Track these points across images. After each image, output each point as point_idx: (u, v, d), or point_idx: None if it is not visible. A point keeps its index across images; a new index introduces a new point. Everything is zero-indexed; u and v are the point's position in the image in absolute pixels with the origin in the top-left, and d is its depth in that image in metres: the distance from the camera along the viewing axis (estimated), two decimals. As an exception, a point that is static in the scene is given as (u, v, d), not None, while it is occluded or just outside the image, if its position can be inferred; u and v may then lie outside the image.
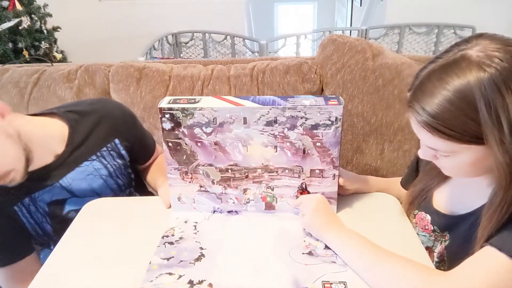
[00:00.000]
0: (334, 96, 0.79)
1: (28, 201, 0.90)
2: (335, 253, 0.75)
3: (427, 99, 0.62)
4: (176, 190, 0.87)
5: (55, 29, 2.95)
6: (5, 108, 0.84)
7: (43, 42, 2.77)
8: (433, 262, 0.81)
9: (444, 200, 0.82)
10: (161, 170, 1.01)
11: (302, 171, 0.82)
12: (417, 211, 0.86)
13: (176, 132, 0.80)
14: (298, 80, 1.33)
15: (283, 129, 0.78)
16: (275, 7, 6.17)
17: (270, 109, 0.76)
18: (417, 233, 0.85)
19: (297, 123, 0.77)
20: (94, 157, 0.97)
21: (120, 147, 1.01)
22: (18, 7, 2.61)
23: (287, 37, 3.43)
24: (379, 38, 3.45)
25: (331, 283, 0.68)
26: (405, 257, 0.68)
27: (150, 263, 0.74)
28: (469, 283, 0.60)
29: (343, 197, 0.90)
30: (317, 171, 0.82)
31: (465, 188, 0.78)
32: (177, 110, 0.78)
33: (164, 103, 0.79)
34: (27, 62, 2.54)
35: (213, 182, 0.85)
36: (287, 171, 0.83)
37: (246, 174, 0.84)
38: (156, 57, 3.17)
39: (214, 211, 0.89)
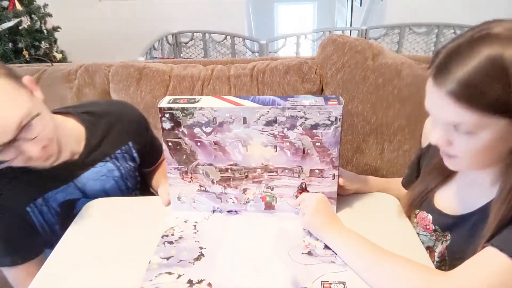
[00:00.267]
0: (334, 96, 0.79)
1: (41, 202, 0.89)
2: (335, 253, 0.75)
3: (457, 67, 0.60)
4: (176, 189, 0.87)
5: (55, 29, 2.95)
6: (33, 84, 0.82)
7: (43, 42, 2.77)
8: (434, 262, 0.81)
9: (446, 199, 0.82)
10: (166, 173, 1.02)
11: (302, 171, 0.82)
12: (418, 210, 0.86)
13: (176, 131, 0.80)
14: (298, 80, 1.33)
15: (283, 129, 0.78)
16: (275, 7, 6.17)
17: (270, 109, 0.76)
18: (418, 233, 0.85)
19: (296, 123, 0.77)
20: (108, 158, 0.97)
21: (133, 150, 1.02)
22: (18, 7, 2.62)
23: (287, 37, 3.43)
24: (379, 38, 3.45)
25: (330, 283, 0.68)
26: (405, 257, 0.68)
27: (149, 262, 0.74)
28: (469, 283, 0.60)
29: (343, 197, 0.90)
30: (317, 171, 0.82)
31: (467, 188, 0.78)
32: (177, 109, 0.78)
33: (164, 102, 0.79)
34: (27, 62, 2.54)
35: (212, 182, 0.85)
36: (286, 171, 0.83)
37: (245, 174, 0.84)
38: (156, 57, 3.17)
39: (213, 211, 0.89)
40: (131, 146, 1.02)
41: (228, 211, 0.88)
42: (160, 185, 0.97)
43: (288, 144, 0.79)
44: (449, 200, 0.81)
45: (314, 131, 0.77)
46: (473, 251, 0.64)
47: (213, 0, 3.58)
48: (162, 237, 0.81)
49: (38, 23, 2.78)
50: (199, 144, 0.81)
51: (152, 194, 1.17)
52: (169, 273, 0.72)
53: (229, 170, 0.84)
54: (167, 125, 0.80)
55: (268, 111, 0.76)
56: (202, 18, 3.60)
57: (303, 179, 0.83)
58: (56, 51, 2.96)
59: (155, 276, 0.71)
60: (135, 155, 1.03)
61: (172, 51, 3.59)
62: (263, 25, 5.48)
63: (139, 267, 0.73)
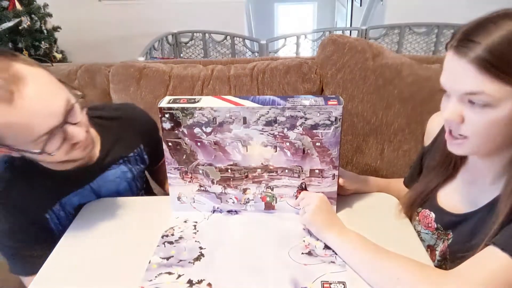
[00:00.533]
0: (334, 96, 0.79)
1: (59, 207, 0.89)
2: (335, 253, 0.75)
3: (483, 36, 0.60)
4: (176, 189, 0.87)
5: (55, 29, 2.95)
6: None
7: (43, 42, 2.77)
8: (435, 260, 0.81)
9: (448, 198, 0.82)
10: None
11: (302, 171, 0.82)
12: (420, 208, 0.86)
13: (176, 131, 0.80)
14: (298, 80, 1.33)
15: (283, 129, 0.78)
16: (275, 7, 6.17)
17: (270, 109, 0.76)
18: (420, 231, 0.85)
19: (296, 123, 0.77)
20: (121, 161, 0.97)
21: (143, 152, 1.03)
22: (18, 7, 2.62)
23: (287, 37, 3.43)
24: (379, 38, 3.44)
25: (330, 283, 0.68)
26: (406, 257, 0.68)
27: (149, 262, 0.74)
28: (470, 282, 0.60)
29: (343, 197, 0.90)
30: (317, 171, 0.82)
31: (469, 186, 0.78)
32: (177, 109, 0.78)
33: (164, 103, 0.79)
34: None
35: (212, 182, 0.85)
36: (286, 171, 0.83)
37: (245, 174, 0.84)
38: (156, 57, 3.17)
39: (213, 211, 0.89)
40: (142, 148, 1.02)
41: (228, 211, 0.88)
42: None
43: (288, 144, 0.79)
44: (452, 198, 0.81)
45: (314, 131, 0.77)
46: (475, 250, 0.64)
47: (213, 0, 3.58)
48: (162, 237, 0.81)
49: (38, 23, 2.78)
50: (199, 144, 0.81)
51: (154, 194, 1.18)
52: (169, 273, 0.72)
53: (229, 170, 0.84)
54: (167, 125, 0.80)
55: (268, 111, 0.76)
56: (202, 18, 3.60)
57: (303, 179, 0.83)
58: (56, 51, 2.96)
59: (155, 276, 0.71)
60: (145, 156, 1.04)
61: (172, 51, 3.59)
62: (263, 25, 5.48)
63: (139, 267, 0.73)
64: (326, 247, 0.76)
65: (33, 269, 0.78)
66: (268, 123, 0.78)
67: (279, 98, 0.79)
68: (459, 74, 0.63)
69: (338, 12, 6.01)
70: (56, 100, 0.73)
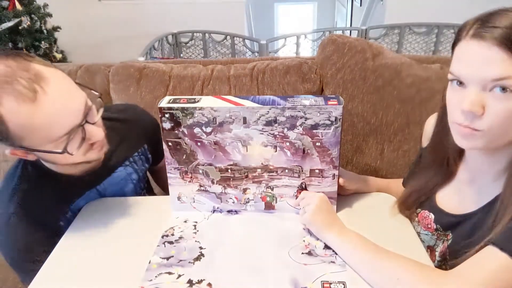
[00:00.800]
0: (334, 96, 0.79)
1: (70, 214, 0.89)
2: (335, 253, 0.75)
3: (502, 20, 0.60)
4: (176, 189, 0.87)
5: (55, 29, 2.96)
6: None
7: (43, 42, 2.78)
8: (435, 261, 0.81)
9: (447, 199, 0.82)
10: None
11: (302, 171, 0.82)
12: (420, 209, 0.86)
13: (176, 131, 0.80)
14: (298, 80, 1.33)
15: (283, 129, 0.78)
16: (275, 7, 6.18)
17: (270, 109, 0.76)
18: (419, 232, 0.85)
19: (296, 123, 0.77)
20: (127, 162, 0.98)
21: (147, 151, 1.03)
22: (18, 7, 2.62)
23: (287, 37, 3.43)
24: (379, 38, 3.45)
25: (330, 283, 0.68)
26: (406, 257, 0.68)
27: (149, 262, 0.74)
28: (470, 283, 0.60)
29: (343, 197, 0.90)
30: (317, 171, 0.82)
31: (468, 187, 0.78)
32: (177, 109, 0.78)
33: (164, 102, 0.79)
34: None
35: (212, 182, 0.85)
36: (286, 171, 0.83)
37: (245, 174, 0.84)
38: (156, 57, 3.17)
39: (213, 211, 0.89)
40: (146, 148, 1.03)
41: (228, 211, 0.88)
42: None
43: (288, 144, 0.79)
44: (451, 199, 0.81)
45: (314, 131, 0.77)
46: (474, 250, 0.64)
47: (213, 0, 3.58)
48: (162, 237, 0.81)
49: (38, 23, 2.78)
50: (199, 144, 0.81)
51: (154, 194, 1.18)
52: (169, 273, 0.72)
53: (229, 170, 0.84)
54: (167, 125, 0.80)
55: (268, 111, 0.76)
56: (202, 18, 3.61)
57: (303, 179, 0.83)
58: (56, 51, 2.96)
59: (155, 276, 0.71)
60: (149, 156, 1.04)
61: (172, 51, 3.59)
62: (263, 25, 5.48)
63: (139, 267, 0.73)
64: (326, 247, 0.76)
65: None
66: (268, 123, 0.78)
67: (279, 98, 0.79)
68: (484, 59, 0.60)
69: (338, 12, 6.01)
70: (76, 98, 0.73)
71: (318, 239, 0.78)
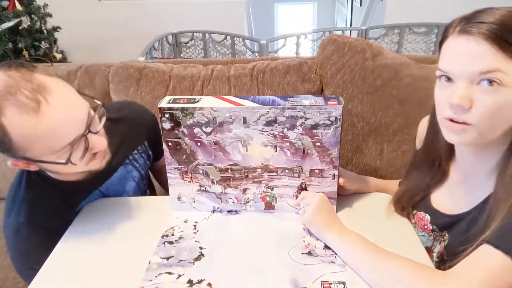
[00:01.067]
0: (334, 96, 0.79)
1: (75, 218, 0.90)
2: (335, 253, 0.75)
3: (488, 16, 0.61)
4: (176, 189, 0.87)
5: (55, 29, 2.95)
6: None
7: (43, 42, 2.77)
8: (432, 262, 0.81)
9: (442, 199, 0.82)
10: None
11: (302, 171, 0.82)
12: (416, 211, 0.87)
13: (176, 131, 0.81)
14: (298, 80, 1.33)
15: (283, 129, 0.78)
16: (275, 7, 6.18)
17: (270, 109, 0.76)
18: (416, 233, 0.85)
19: (296, 123, 0.77)
20: (127, 161, 0.98)
21: (148, 148, 1.03)
22: (18, 7, 2.62)
23: (287, 37, 3.43)
24: (379, 38, 3.45)
25: (330, 283, 0.68)
26: (405, 257, 0.68)
27: (149, 262, 0.74)
28: (468, 282, 0.60)
29: (343, 197, 0.90)
30: (317, 171, 0.82)
31: (460, 187, 0.79)
32: (176, 109, 0.78)
33: (164, 102, 0.79)
34: (27, 62, 2.54)
35: (212, 182, 0.85)
36: (286, 171, 0.83)
37: (245, 174, 0.84)
38: (156, 57, 3.17)
39: (213, 211, 0.89)
40: (146, 145, 1.03)
41: (228, 211, 0.88)
42: None
43: (288, 144, 0.80)
44: (445, 199, 0.82)
45: (314, 131, 0.77)
46: (471, 249, 0.65)
47: (213, 0, 3.58)
48: (162, 237, 0.81)
49: (38, 23, 2.78)
50: (199, 144, 0.81)
51: (155, 191, 1.18)
52: (169, 273, 0.72)
53: (229, 170, 0.84)
54: (167, 125, 0.80)
55: (268, 111, 0.76)
56: (202, 18, 3.60)
57: (303, 179, 0.83)
58: (56, 51, 2.96)
59: (155, 276, 0.71)
60: (150, 153, 1.04)
61: (172, 51, 3.59)
62: (263, 25, 5.48)
63: (139, 267, 0.73)
64: (326, 247, 0.76)
65: None
66: (268, 123, 0.78)
67: (279, 98, 0.79)
68: (471, 53, 0.62)
69: (338, 12, 6.01)
70: (79, 108, 0.73)
71: (318, 239, 0.78)
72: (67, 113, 0.70)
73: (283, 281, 0.69)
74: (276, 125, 0.78)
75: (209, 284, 0.69)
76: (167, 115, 0.79)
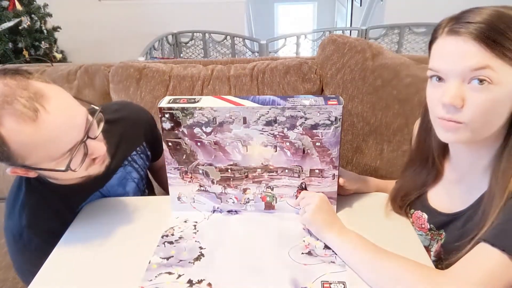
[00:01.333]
0: (334, 96, 0.79)
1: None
2: (335, 253, 0.75)
3: (475, 16, 0.62)
4: (176, 189, 0.87)
5: (55, 29, 2.96)
6: None
7: (43, 42, 2.78)
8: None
9: (439, 198, 0.83)
10: None
11: (302, 171, 0.82)
12: (413, 210, 0.87)
13: (176, 131, 0.80)
14: (298, 80, 1.33)
15: (283, 129, 0.78)
16: (275, 7, 6.18)
17: (270, 109, 0.76)
18: None
19: (296, 123, 0.77)
20: (126, 162, 0.97)
21: (147, 148, 1.03)
22: (18, 7, 2.62)
23: (287, 37, 3.43)
24: (379, 38, 3.45)
25: (330, 283, 0.68)
26: (405, 257, 0.68)
27: (149, 262, 0.74)
28: (467, 281, 0.61)
29: (343, 197, 0.90)
30: (317, 171, 0.82)
31: (456, 185, 0.79)
32: (176, 109, 0.78)
33: (164, 102, 0.79)
34: (27, 62, 2.55)
35: (212, 182, 0.85)
36: (286, 171, 0.83)
37: (245, 174, 0.84)
38: (156, 57, 3.17)
39: (213, 211, 0.89)
40: (145, 146, 1.02)
41: (228, 211, 0.88)
42: None
43: (288, 144, 0.80)
44: (442, 198, 0.82)
45: (314, 131, 0.77)
46: (467, 248, 0.65)
47: (213, 0, 3.58)
48: (162, 237, 0.81)
49: (38, 23, 2.78)
50: (199, 144, 0.81)
51: (154, 192, 1.18)
52: (169, 273, 0.72)
53: (229, 170, 0.84)
54: (167, 125, 0.80)
55: (268, 111, 0.76)
56: (202, 18, 3.61)
57: (303, 179, 0.83)
58: (56, 51, 2.96)
59: (155, 276, 0.71)
60: (149, 153, 1.04)
61: (172, 51, 3.59)
62: (263, 25, 5.48)
63: (139, 267, 0.73)
64: (326, 247, 0.76)
65: None
66: (268, 123, 0.78)
67: (279, 98, 0.79)
68: (461, 52, 0.63)
69: (338, 12, 6.01)
70: (77, 115, 0.72)
71: (318, 239, 0.78)
72: (65, 120, 0.69)
73: (283, 281, 0.69)
74: (276, 125, 0.78)
75: (209, 284, 0.69)
76: (167, 115, 0.79)
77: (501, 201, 0.64)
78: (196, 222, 0.86)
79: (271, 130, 0.78)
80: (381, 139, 1.31)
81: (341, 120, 0.76)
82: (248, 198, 0.87)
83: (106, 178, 0.93)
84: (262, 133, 0.79)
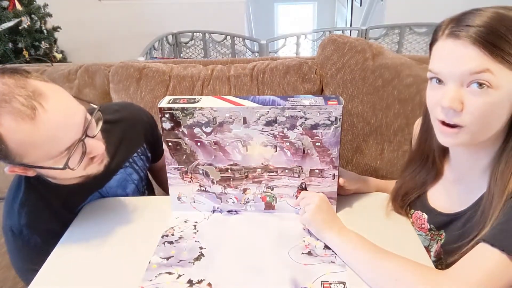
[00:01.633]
0: (334, 96, 0.79)
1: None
2: (335, 253, 0.75)
3: (475, 19, 0.62)
4: (176, 189, 0.87)
5: (55, 29, 2.96)
6: None
7: (43, 42, 2.78)
8: None
9: (438, 198, 0.83)
10: None
11: (302, 171, 0.82)
12: (413, 210, 0.87)
13: (176, 131, 0.80)
14: (298, 80, 1.33)
15: (283, 129, 0.78)
16: (275, 7, 6.17)
17: (270, 109, 0.76)
18: None
19: (296, 123, 0.77)
20: (127, 163, 0.97)
21: (147, 150, 1.03)
22: (18, 7, 2.62)
23: (287, 37, 3.43)
24: (379, 38, 3.45)
25: (330, 283, 0.68)
26: (405, 257, 0.68)
27: (149, 262, 0.74)
28: (467, 281, 0.61)
29: (343, 197, 0.90)
30: (317, 171, 0.82)
31: (456, 185, 0.79)
32: (176, 109, 0.78)
33: (164, 102, 0.79)
34: (27, 62, 2.55)
35: (212, 182, 0.85)
36: (286, 171, 0.83)
37: (245, 174, 0.84)
38: (156, 57, 3.17)
39: (214, 211, 0.89)
40: (145, 147, 1.02)
41: (228, 211, 0.88)
42: None
43: (288, 144, 0.79)
44: (442, 198, 0.82)
45: (314, 131, 0.77)
46: (467, 248, 0.65)
47: (213, 0, 3.58)
48: (162, 237, 0.81)
49: (38, 23, 2.78)
50: (199, 144, 0.81)
51: (154, 193, 1.18)
52: (169, 273, 0.72)
53: (229, 170, 0.84)
54: (167, 125, 0.80)
55: (268, 111, 0.76)
56: (202, 18, 3.61)
57: (303, 179, 0.83)
58: (56, 51, 2.96)
59: (155, 276, 0.71)
60: (149, 154, 1.04)
61: (172, 51, 3.59)
62: (263, 25, 5.48)
63: (139, 267, 0.73)
64: (326, 247, 0.76)
65: None
66: (268, 123, 0.78)
67: (279, 98, 0.79)
68: (460, 55, 0.62)
69: (338, 12, 6.01)
70: (76, 113, 0.72)
71: (318, 239, 0.78)
72: (63, 118, 0.69)
73: (283, 281, 0.69)
74: (276, 125, 0.78)
75: (209, 284, 0.69)
76: (167, 115, 0.79)
77: (500, 202, 0.64)
78: (196, 222, 0.86)
79: (271, 130, 0.78)
80: (381, 139, 1.31)
81: (341, 120, 0.76)
82: (248, 198, 0.87)
83: (106, 179, 0.93)
84: (262, 133, 0.79)
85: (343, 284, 0.68)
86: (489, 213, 0.65)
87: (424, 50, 3.47)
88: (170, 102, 0.80)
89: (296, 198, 0.85)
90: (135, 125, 1.00)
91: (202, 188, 0.86)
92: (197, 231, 0.83)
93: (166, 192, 1.17)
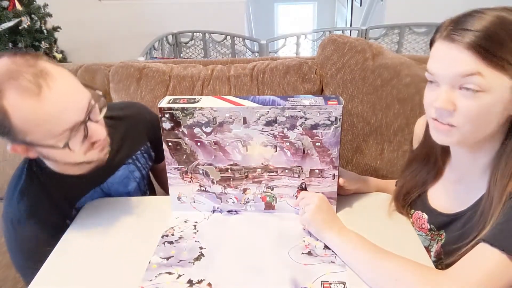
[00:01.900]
0: (334, 96, 0.79)
1: (75, 213, 0.90)
2: (334, 253, 0.75)
3: (474, 22, 0.62)
4: (176, 189, 0.87)
5: (55, 29, 2.96)
6: None
7: (43, 42, 2.77)
8: None
9: (438, 198, 0.83)
10: None
11: (302, 171, 0.82)
12: (413, 210, 0.87)
13: (176, 131, 0.81)
14: (298, 80, 1.33)
15: (283, 129, 0.78)
16: (275, 7, 6.18)
17: (270, 109, 0.76)
18: None
19: (296, 123, 0.77)
20: (130, 160, 0.98)
21: (151, 149, 1.03)
22: (18, 7, 2.62)
23: (287, 37, 3.43)
24: (379, 38, 3.45)
25: (330, 283, 0.68)
26: (405, 257, 0.68)
27: (149, 262, 0.74)
28: (467, 281, 0.61)
29: (343, 197, 0.90)
30: (317, 171, 0.82)
31: (456, 185, 0.79)
32: (177, 109, 0.78)
33: (164, 102, 0.79)
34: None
35: (212, 182, 0.85)
36: (286, 171, 0.83)
37: (245, 174, 0.84)
38: (156, 57, 3.17)
39: (214, 211, 0.89)
40: (149, 146, 1.03)
41: (228, 211, 0.88)
42: None
43: (288, 144, 0.80)
44: (442, 198, 0.82)
45: (314, 131, 0.77)
46: (467, 248, 0.65)
47: (213, 0, 3.58)
48: (162, 237, 0.81)
49: (38, 23, 2.78)
50: (199, 144, 0.81)
51: (155, 193, 1.18)
52: (169, 273, 0.72)
53: (229, 170, 0.84)
54: (167, 125, 0.80)
55: (268, 111, 0.76)
56: (202, 18, 3.61)
57: (303, 179, 0.83)
58: (56, 51, 2.96)
59: (155, 276, 0.71)
60: (152, 153, 1.04)
61: (172, 51, 3.59)
62: (263, 25, 5.48)
63: (139, 267, 0.73)
64: (326, 247, 0.76)
65: None
66: (268, 123, 0.78)
67: (279, 98, 0.79)
68: (453, 58, 0.63)
69: (338, 12, 6.02)
70: (80, 96, 0.74)
71: (318, 239, 0.78)
72: (68, 99, 0.71)
73: (283, 281, 0.69)
74: (276, 125, 0.78)
75: (209, 284, 0.69)
76: (167, 115, 0.79)
77: (499, 203, 0.64)
78: (196, 222, 0.86)
79: (271, 130, 0.78)
80: (381, 139, 1.31)
81: (341, 120, 0.76)
82: (248, 198, 0.87)
83: (108, 173, 0.93)
84: (262, 133, 0.79)
85: (343, 284, 0.68)
86: (489, 213, 0.66)
87: (424, 50, 3.47)
88: (170, 102, 0.80)
89: (296, 198, 0.85)
90: (137, 124, 1.01)
91: (202, 188, 0.87)
92: (197, 231, 0.83)
93: (167, 193, 1.17)
